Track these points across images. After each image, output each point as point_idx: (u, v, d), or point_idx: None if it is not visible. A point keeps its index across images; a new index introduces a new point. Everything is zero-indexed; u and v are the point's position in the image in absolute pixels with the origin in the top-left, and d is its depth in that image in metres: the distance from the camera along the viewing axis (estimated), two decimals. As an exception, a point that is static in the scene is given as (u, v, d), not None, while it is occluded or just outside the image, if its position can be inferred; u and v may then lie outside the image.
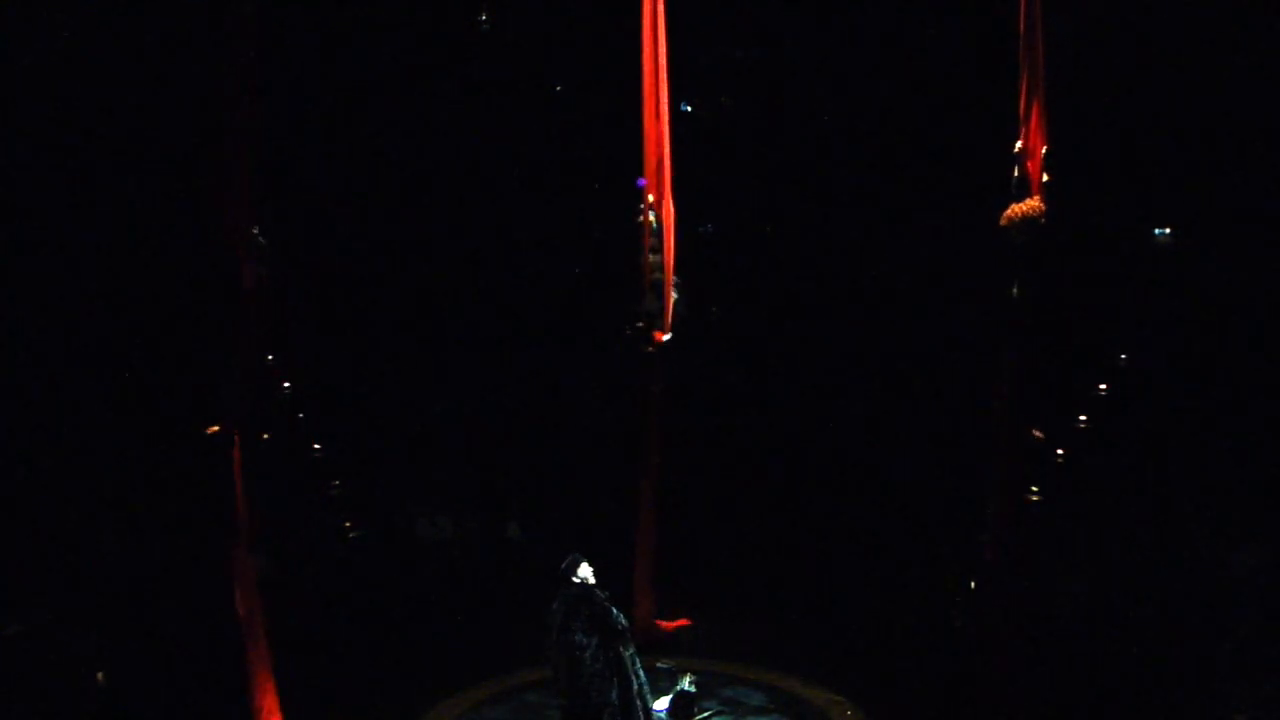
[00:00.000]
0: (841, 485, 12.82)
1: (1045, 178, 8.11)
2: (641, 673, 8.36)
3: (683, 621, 10.48)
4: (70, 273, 10.22)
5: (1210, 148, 10.74)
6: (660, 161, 9.81)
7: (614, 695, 8.02)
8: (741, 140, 13.75)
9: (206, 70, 8.34)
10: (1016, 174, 8.31)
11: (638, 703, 8.15)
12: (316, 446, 10.95)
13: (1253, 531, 9.71)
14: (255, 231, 8.55)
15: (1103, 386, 10.48)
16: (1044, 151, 8.14)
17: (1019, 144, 8.25)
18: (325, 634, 10.46)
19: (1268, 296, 10.49)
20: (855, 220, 13.36)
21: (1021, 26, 8.10)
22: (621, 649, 8.18)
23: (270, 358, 9.98)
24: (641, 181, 9.90)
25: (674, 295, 9.97)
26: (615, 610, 8.23)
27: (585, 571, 8.31)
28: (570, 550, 8.44)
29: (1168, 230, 11.38)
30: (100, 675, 9.02)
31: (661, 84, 9.70)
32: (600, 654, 8.06)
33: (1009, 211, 8.18)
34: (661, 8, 9.63)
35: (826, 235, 13.59)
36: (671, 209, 9.86)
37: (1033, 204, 8.15)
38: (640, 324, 10.04)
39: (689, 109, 13.60)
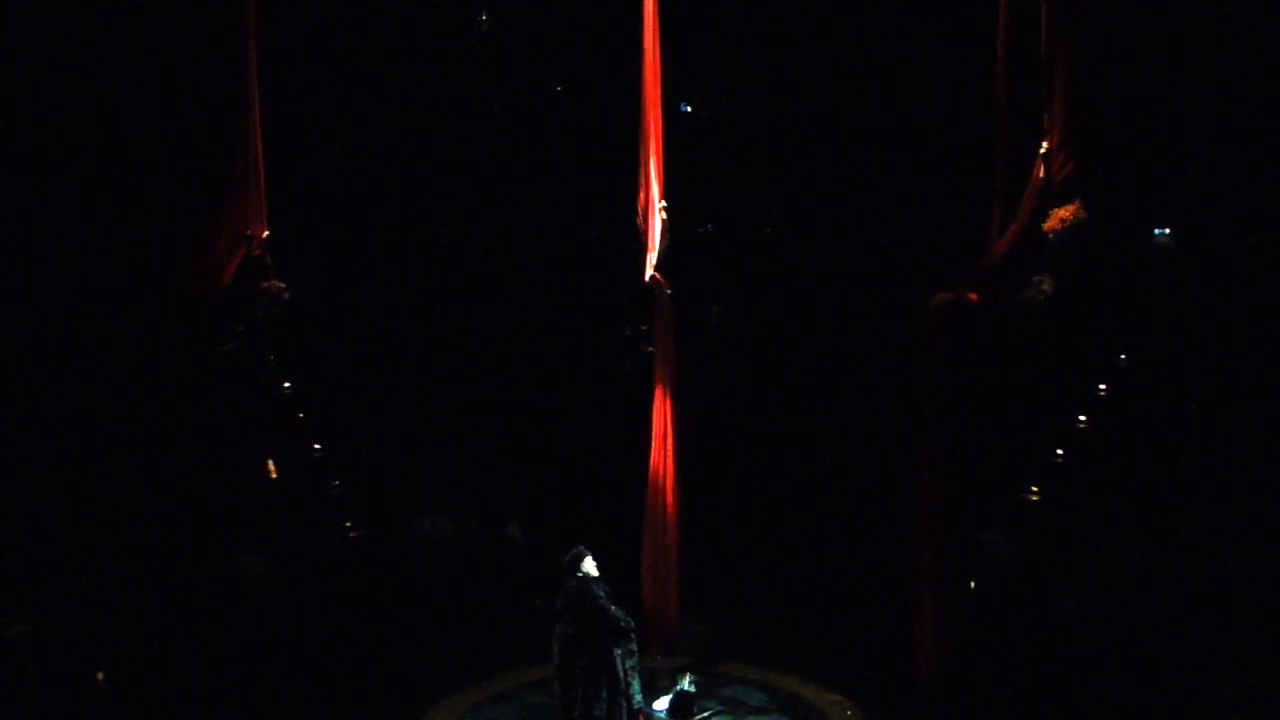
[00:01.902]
0: (842, 484, 12.81)
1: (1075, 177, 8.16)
2: (633, 673, 8.35)
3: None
4: (67, 272, 10.24)
5: (1213, 148, 10.74)
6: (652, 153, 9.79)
7: (604, 691, 8.03)
8: (741, 140, 13.75)
9: (213, 70, 8.41)
10: (1042, 173, 8.34)
11: (622, 703, 8.16)
12: (316, 446, 10.94)
13: (1252, 532, 9.71)
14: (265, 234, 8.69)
15: (1102, 386, 10.48)
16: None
17: (1045, 144, 8.29)
18: (326, 634, 10.46)
19: (1268, 296, 10.49)
20: (854, 220, 13.37)
21: (1043, 31, 8.12)
22: (616, 646, 8.17)
23: (271, 357, 10.02)
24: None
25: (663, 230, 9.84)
26: (614, 608, 8.23)
27: (589, 565, 8.31)
28: (574, 546, 8.46)
29: (1168, 230, 11.38)
30: (100, 675, 9.02)
31: (654, 82, 9.69)
32: (589, 648, 8.06)
33: (1052, 220, 8.22)
34: (654, 7, 9.62)
35: (826, 235, 13.59)
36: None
37: (1073, 209, 8.20)
38: (641, 327, 10.01)
39: (689, 109, 13.60)
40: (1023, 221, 8.46)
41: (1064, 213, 8.27)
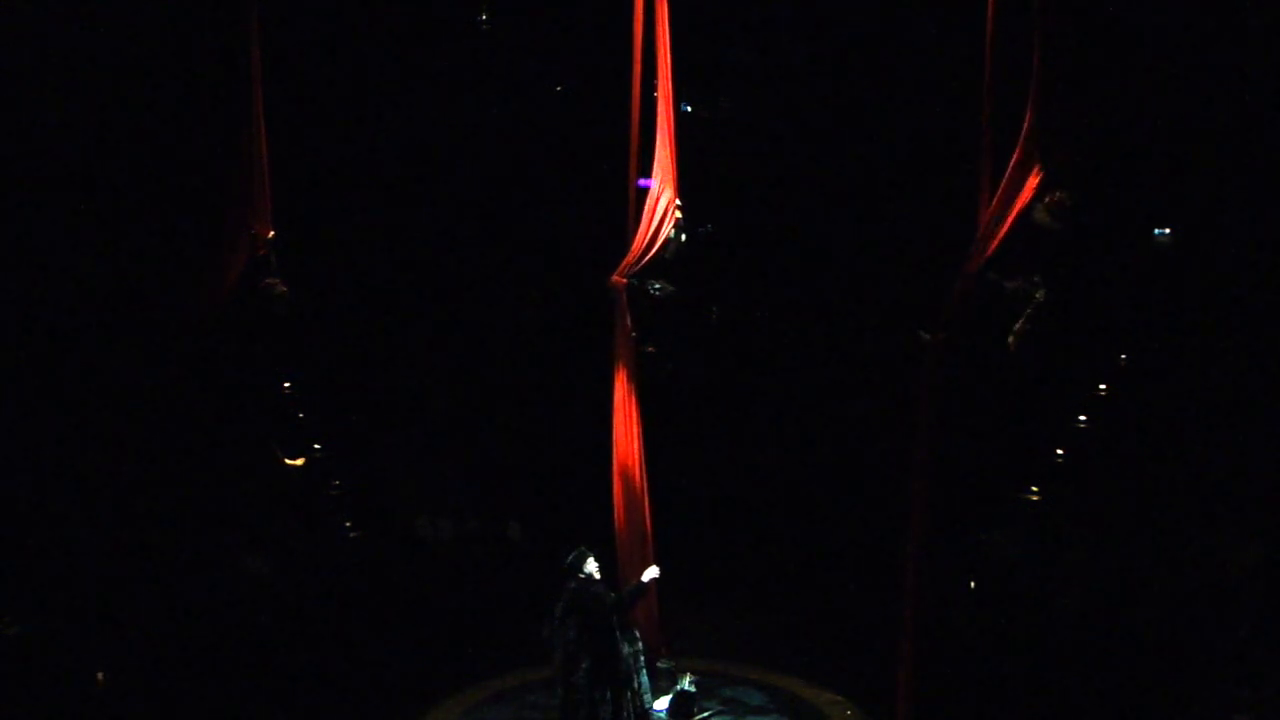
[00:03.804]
0: (842, 484, 12.82)
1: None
2: (643, 673, 8.36)
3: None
4: (72, 274, 10.25)
5: (1212, 147, 10.73)
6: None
7: (608, 694, 8.01)
8: (741, 140, 13.75)
9: (216, 72, 8.42)
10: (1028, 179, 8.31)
11: (629, 704, 8.14)
12: (316, 446, 10.94)
13: (1253, 531, 9.70)
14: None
15: (1103, 386, 10.48)
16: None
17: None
18: (325, 634, 10.46)
19: (1268, 296, 10.49)
20: (854, 221, 13.37)
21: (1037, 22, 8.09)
22: (621, 647, 8.17)
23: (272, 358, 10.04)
24: (644, 182, 9.85)
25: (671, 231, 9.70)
26: (616, 612, 8.23)
27: (591, 567, 8.29)
28: (575, 546, 8.44)
29: (1168, 230, 11.37)
30: (100, 675, 9.02)
31: (665, 83, 9.64)
32: (592, 650, 8.04)
33: (1040, 210, 8.23)
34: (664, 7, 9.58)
35: (826, 236, 13.60)
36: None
37: (1059, 195, 8.21)
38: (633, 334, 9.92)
39: (689, 109, 13.60)
40: (999, 227, 8.36)
41: (1051, 199, 8.27)
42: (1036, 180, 8.00)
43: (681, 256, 9.96)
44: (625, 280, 9.64)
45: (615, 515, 9.72)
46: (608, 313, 9.76)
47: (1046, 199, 8.22)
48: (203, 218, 9.53)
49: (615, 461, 9.74)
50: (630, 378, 9.71)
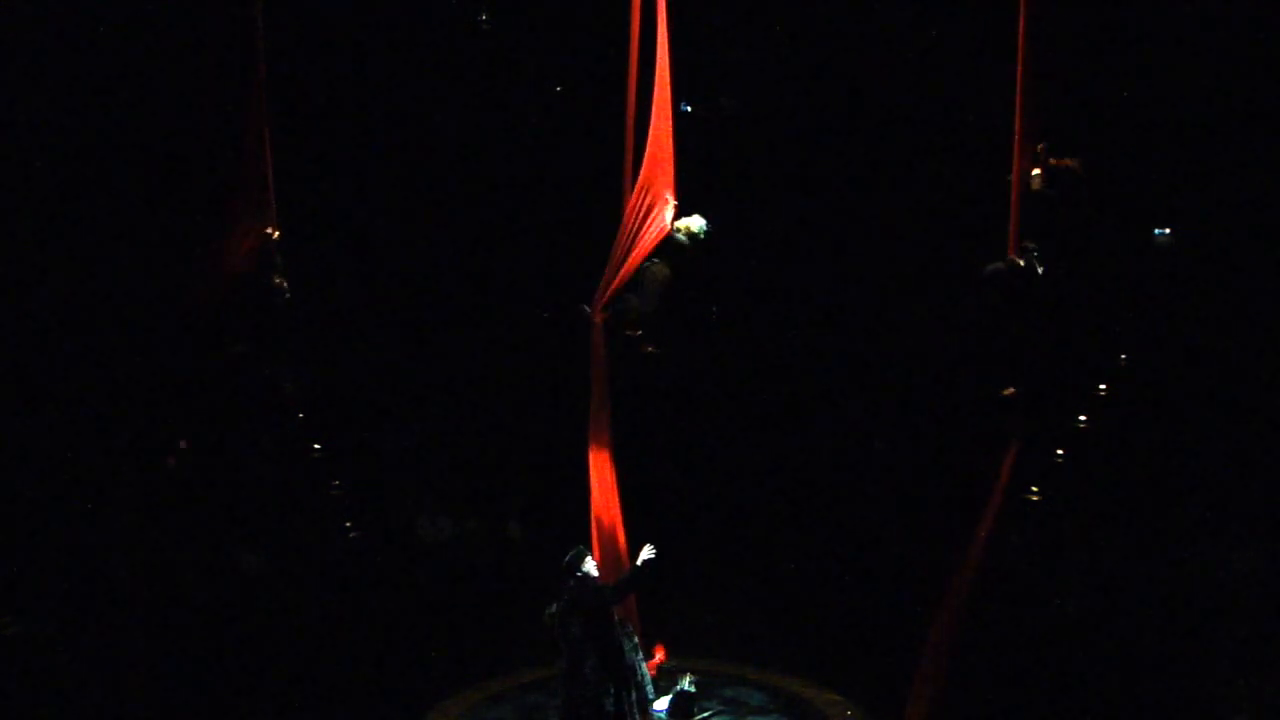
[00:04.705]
0: (843, 484, 12.82)
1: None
2: (643, 666, 8.38)
3: (659, 657, 10.11)
4: (78, 273, 10.26)
5: (1210, 146, 10.75)
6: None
7: (610, 687, 8.03)
8: (742, 141, 13.76)
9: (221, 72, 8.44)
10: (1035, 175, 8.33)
11: (633, 696, 8.15)
12: (316, 446, 10.94)
13: (1251, 532, 9.71)
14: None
15: (1103, 387, 10.48)
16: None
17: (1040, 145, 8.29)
18: (325, 634, 10.46)
19: (1268, 296, 10.51)
20: (856, 221, 13.38)
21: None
22: (623, 645, 8.19)
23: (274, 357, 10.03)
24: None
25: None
26: (617, 595, 8.25)
27: (590, 565, 8.29)
28: (575, 545, 8.45)
29: (1168, 230, 11.39)
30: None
31: (664, 80, 9.55)
32: (596, 646, 8.05)
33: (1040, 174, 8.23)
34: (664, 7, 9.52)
35: (826, 236, 13.60)
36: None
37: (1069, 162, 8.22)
38: (631, 333, 9.76)
39: (689, 109, 13.60)
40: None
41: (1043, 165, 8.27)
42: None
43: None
44: (604, 316, 9.14)
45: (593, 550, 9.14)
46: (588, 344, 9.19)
47: (1036, 170, 8.21)
48: (206, 214, 9.53)
49: (592, 511, 9.19)
50: (605, 429, 9.14)
